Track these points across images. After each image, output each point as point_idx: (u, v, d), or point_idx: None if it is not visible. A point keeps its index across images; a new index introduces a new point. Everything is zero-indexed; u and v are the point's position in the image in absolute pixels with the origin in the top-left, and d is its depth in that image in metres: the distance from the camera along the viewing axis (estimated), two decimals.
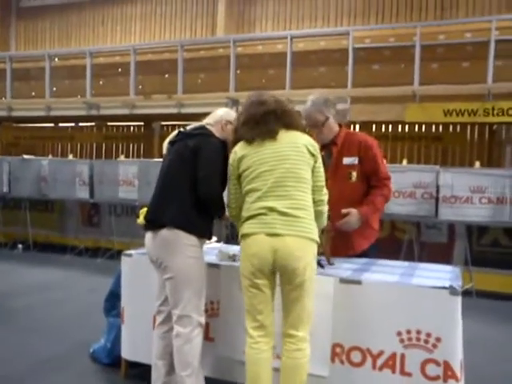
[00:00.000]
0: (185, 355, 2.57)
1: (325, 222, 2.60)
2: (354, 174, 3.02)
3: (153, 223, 2.63)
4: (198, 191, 2.55)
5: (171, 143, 2.73)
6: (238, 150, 2.47)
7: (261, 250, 2.31)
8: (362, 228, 3.00)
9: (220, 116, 2.78)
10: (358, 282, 2.56)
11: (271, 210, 2.32)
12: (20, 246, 8.06)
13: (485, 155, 8.25)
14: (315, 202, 2.45)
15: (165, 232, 2.56)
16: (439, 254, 6.10)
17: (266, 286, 2.37)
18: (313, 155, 2.45)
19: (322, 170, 2.51)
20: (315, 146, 2.49)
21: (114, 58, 10.01)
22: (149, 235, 2.66)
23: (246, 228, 2.38)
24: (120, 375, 3.17)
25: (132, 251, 3.17)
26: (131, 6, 11.54)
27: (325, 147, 3.12)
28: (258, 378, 2.37)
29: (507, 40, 7.31)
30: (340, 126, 3.12)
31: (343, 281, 2.59)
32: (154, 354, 2.72)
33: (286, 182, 2.35)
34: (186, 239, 2.56)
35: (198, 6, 10.99)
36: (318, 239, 2.40)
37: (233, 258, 2.88)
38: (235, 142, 2.52)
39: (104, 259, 7.13)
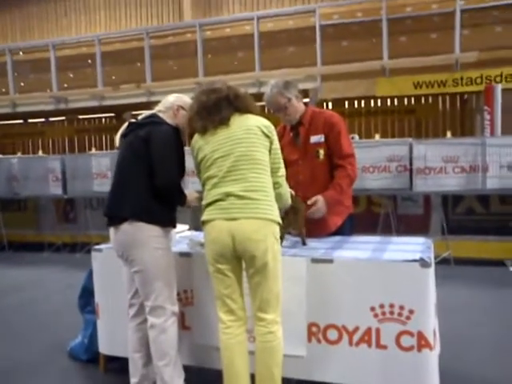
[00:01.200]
0: (161, 345, 2.56)
1: (287, 202, 2.58)
2: (322, 151, 3.02)
3: (113, 218, 2.58)
4: (155, 182, 2.49)
5: (123, 136, 2.66)
6: (195, 143, 2.45)
7: (219, 235, 2.29)
8: (334, 207, 3.00)
9: (171, 102, 2.70)
10: (330, 261, 2.55)
11: (228, 194, 2.29)
12: None
13: (457, 125, 8.35)
14: (274, 185, 2.42)
15: (126, 226, 2.50)
16: (416, 226, 6.17)
17: (230, 271, 2.35)
18: (267, 137, 2.40)
19: (278, 151, 2.47)
20: (270, 128, 2.44)
21: (81, 50, 9.77)
22: (111, 231, 2.60)
23: (205, 215, 2.37)
24: (99, 370, 3.14)
25: (102, 246, 3.11)
26: None
27: (293, 128, 3.12)
28: (232, 363, 2.36)
29: (473, 9, 7.33)
30: (306, 105, 3.11)
31: (315, 260, 2.58)
32: (129, 348, 2.69)
33: (241, 165, 2.32)
34: (149, 231, 2.51)
35: None
36: (277, 219, 2.36)
37: (203, 245, 2.84)
38: (192, 134, 2.49)
39: (82, 254, 7.03)
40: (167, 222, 2.62)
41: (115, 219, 2.56)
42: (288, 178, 2.60)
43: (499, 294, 4.68)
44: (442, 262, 5.58)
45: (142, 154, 2.51)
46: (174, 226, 2.71)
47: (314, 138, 3.02)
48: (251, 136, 2.36)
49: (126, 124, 2.68)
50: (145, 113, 2.71)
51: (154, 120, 2.61)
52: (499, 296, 4.60)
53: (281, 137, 3.13)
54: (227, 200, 2.30)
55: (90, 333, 3.22)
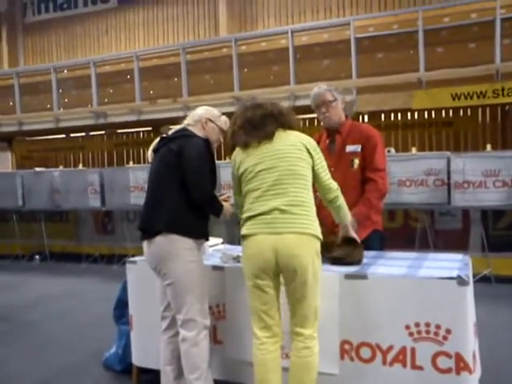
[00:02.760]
0: (192, 358, 2.56)
1: (347, 215, 2.61)
2: (357, 161, 3.03)
3: (146, 231, 2.62)
4: (190, 194, 2.52)
5: (155, 150, 2.70)
6: (237, 156, 2.47)
7: (262, 250, 2.28)
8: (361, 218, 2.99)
9: (199, 115, 2.74)
10: (364, 277, 2.51)
11: (272, 209, 2.29)
12: (37, 257, 8.18)
13: (498, 138, 8.08)
14: (330, 201, 2.49)
15: (159, 239, 2.54)
16: (455, 241, 5.99)
17: (270, 287, 2.33)
18: (310, 153, 2.43)
19: (324, 165, 2.49)
20: (313, 144, 2.48)
21: (120, 66, 10.06)
22: (145, 244, 2.64)
23: (246, 229, 2.36)
24: (132, 381, 3.17)
25: (136, 258, 3.16)
26: (133, 13, 11.61)
27: (329, 135, 3.14)
28: (265, 379, 2.34)
29: None
30: (346, 117, 3.15)
31: (349, 276, 2.54)
32: (161, 360, 2.71)
33: (284, 180, 2.33)
34: (182, 243, 2.54)
35: (199, 8, 10.99)
36: (319, 235, 2.35)
37: (237, 259, 2.85)
38: (233, 147, 2.52)
39: (119, 265, 7.17)
40: (200, 234, 2.65)
41: (149, 232, 2.59)
42: None
43: None
44: (481, 280, 5.39)
45: (174, 167, 2.55)
46: (207, 239, 2.74)
47: (350, 148, 3.05)
48: (295, 151, 2.38)
49: (157, 139, 2.73)
50: (175, 127, 2.75)
51: (185, 133, 2.65)
52: None
53: (316, 143, 3.15)
54: (271, 214, 2.29)
55: (123, 344, 3.27)
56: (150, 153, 2.75)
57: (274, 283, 2.35)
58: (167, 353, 2.70)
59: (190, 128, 2.69)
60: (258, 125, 2.40)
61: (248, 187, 2.39)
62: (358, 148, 3.02)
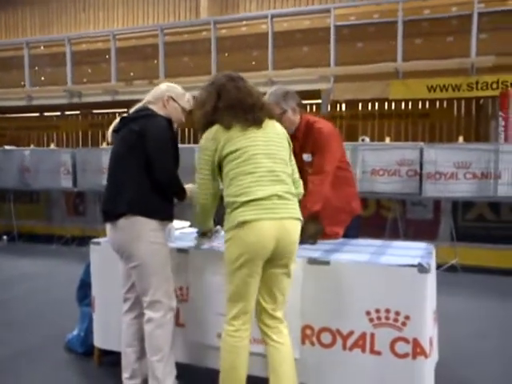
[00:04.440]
0: (156, 340, 2.54)
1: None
2: (310, 171, 2.94)
3: (109, 214, 2.56)
4: (154, 176, 2.48)
5: (116, 131, 2.62)
6: (219, 134, 2.33)
7: (264, 237, 2.19)
8: (331, 213, 2.98)
9: (161, 91, 2.64)
10: (326, 263, 2.52)
11: (271, 194, 2.24)
12: (5, 237, 7.99)
13: (472, 131, 8.19)
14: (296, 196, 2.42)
15: (123, 221, 2.49)
16: (425, 231, 6.07)
17: (258, 274, 2.28)
18: (289, 144, 2.47)
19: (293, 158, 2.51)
20: (287, 135, 2.50)
21: (97, 45, 9.84)
22: (108, 226, 2.59)
23: (245, 215, 2.21)
24: (94, 363, 3.14)
25: (100, 239, 3.11)
26: None
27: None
28: (235, 367, 2.29)
29: (492, 12, 7.19)
30: (300, 116, 3.03)
31: (311, 261, 2.55)
32: (122, 342, 2.69)
33: (278, 167, 2.31)
34: (147, 225, 2.50)
35: None
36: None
37: (210, 235, 2.81)
38: (208, 124, 2.39)
39: None
40: (164, 216, 2.60)
41: (112, 215, 2.54)
42: None
43: (507, 304, 4.56)
44: (449, 270, 5.50)
45: (136, 148, 2.48)
46: (171, 220, 2.69)
47: (304, 156, 2.97)
48: (282, 141, 2.40)
49: (118, 118, 2.64)
50: (136, 105, 2.67)
51: (147, 113, 2.56)
52: (506, 307, 4.49)
53: None
54: (270, 200, 2.23)
55: (86, 326, 3.23)
56: (110, 133, 2.66)
57: (261, 269, 2.29)
58: (129, 334, 2.68)
59: (151, 106, 2.60)
60: (248, 110, 2.33)
61: (239, 170, 2.27)
62: (309, 157, 2.96)
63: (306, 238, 2.73)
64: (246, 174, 2.26)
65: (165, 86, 2.67)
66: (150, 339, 2.55)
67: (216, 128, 2.35)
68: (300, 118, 3.00)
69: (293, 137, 2.96)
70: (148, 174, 2.48)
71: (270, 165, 2.28)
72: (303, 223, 2.39)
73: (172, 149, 2.53)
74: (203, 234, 2.80)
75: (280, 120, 2.86)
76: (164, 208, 2.59)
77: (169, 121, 2.59)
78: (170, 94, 2.63)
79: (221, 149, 2.31)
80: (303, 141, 2.97)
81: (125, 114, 2.63)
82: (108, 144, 2.70)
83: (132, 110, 2.64)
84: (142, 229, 2.49)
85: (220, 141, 2.32)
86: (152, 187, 2.49)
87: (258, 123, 2.34)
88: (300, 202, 2.45)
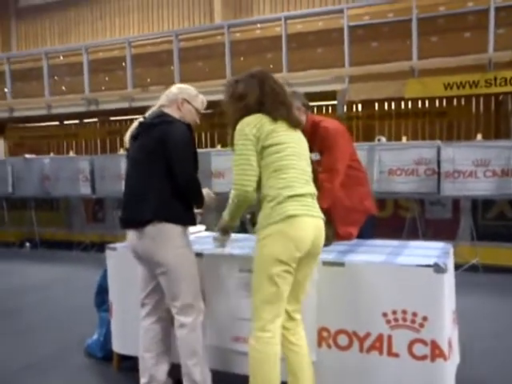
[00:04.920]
0: (191, 344, 2.54)
1: None
2: (320, 170, 2.92)
3: (134, 221, 2.54)
4: (176, 181, 2.47)
5: (134, 137, 2.60)
6: (264, 123, 2.28)
7: (307, 233, 2.21)
8: (344, 214, 2.97)
9: (175, 94, 2.62)
10: (341, 264, 2.50)
11: (308, 192, 2.29)
12: (28, 244, 8.15)
13: (492, 128, 8.04)
14: None
15: (150, 228, 2.47)
16: (444, 231, 5.97)
17: (294, 270, 2.24)
18: None
19: None
20: None
21: (113, 52, 9.97)
22: (132, 233, 2.56)
23: (292, 209, 2.18)
24: (113, 368, 3.17)
25: (117, 244, 3.14)
26: None
27: None
28: (271, 380, 2.20)
29: (509, 6, 7.06)
30: (307, 116, 3.02)
31: (326, 263, 2.53)
32: (140, 347, 2.70)
33: (308, 167, 2.37)
34: (173, 230, 2.50)
35: None
36: None
37: (224, 239, 2.82)
38: (247, 111, 2.31)
39: None
40: (189, 220, 2.60)
41: (137, 222, 2.51)
42: None
43: None
44: (469, 269, 5.40)
45: (157, 154, 2.47)
46: (194, 224, 2.70)
47: (313, 156, 2.91)
48: (306, 144, 2.47)
49: (134, 124, 2.64)
50: (152, 109, 2.66)
51: (166, 119, 2.54)
52: None
53: None
54: (308, 198, 2.28)
55: (105, 331, 3.26)
56: (127, 139, 2.65)
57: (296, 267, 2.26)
58: (147, 339, 2.68)
59: (165, 110, 2.59)
60: (289, 109, 2.39)
61: (282, 163, 2.24)
62: (317, 156, 2.94)
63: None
64: (289, 168, 2.26)
65: (177, 89, 2.65)
66: (185, 344, 2.54)
67: (261, 117, 2.30)
68: (306, 119, 2.99)
69: None
70: (169, 179, 2.48)
71: (304, 164, 2.33)
72: None
73: (192, 154, 2.53)
74: (224, 232, 2.78)
75: None
76: (187, 213, 2.58)
77: (189, 127, 2.58)
78: (183, 97, 2.61)
79: (264, 138, 2.26)
80: (310, 140, 2.92)
81: (141, 119, 2.63)
82: (127, 150, 2.70)
83: (148, 115, 2.63)
84: (169, 235, 2.49)
85: (264, 131, 2.27)
86: (173, 193, 2.49)
87: (295, 124, 2.40)
88: None
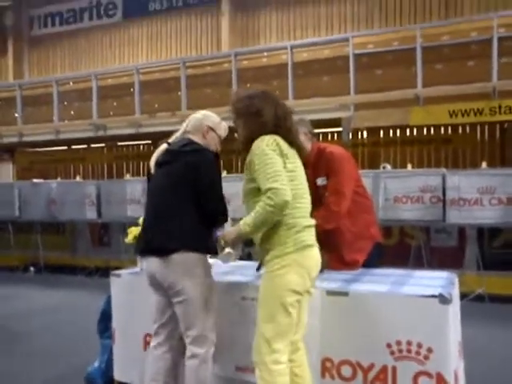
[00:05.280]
0: (202, 375, 2.48)
1: None
2: (326, 194, 2.94)
3: (160, 249, 2.46)
4: (207, 208, 2.47)
5: (159, 164, 2.56)
6: (282, 146, 2.24)
7: (317, 263, 2.27)
8: (350, 241, 2.96)
9: (199, 121, 2.61)
10: (345, 294, 2.48)
11: (314, 222, 2.33)
12: (32, 268, 8.16)
13: (497, 155, 8.06)
14: None
15: (177, 256, 2.43)
16: (450, 259, 5.92)
17: None
18: None
19: None
20: None
21: (122, 79, 10.16)
22: (155, 260, 2.47)
23: (307, 239, 2.22)
24: None
25: (121, 271, 3.14)
26: (137, 28, 11.77)
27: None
28: None
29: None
30: (314, 143, 3.06)
31: (330, 292, 2.51)
32: (147, 376, 2.62)
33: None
34: (199, 261, 2.47)
35: (202, 22, 11.13)
36: None
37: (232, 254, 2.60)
38: (264, 129, 2.24)
39: None
40: (212, 249, 2.56)
41: (163, 250, 2.45)
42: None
43: None
44: (476, 299, 5.32)
45: (187, 182, 2.45)
46: (217, 253, 2.61)
47: (318, 181, 2.97)
48: None
49: (159, 150, 2.59)
50: (175, 135, 2.62)
51: (196, 147, 2.53)
52: None
53: None
54: (313, 228, 2.31)
55: (106, 358, 3.22)
56: (152, 164, 2.59)
57: None
58: (155, 369, 2.59)
59: (190, 136, 2.58)
60: (297, 134, 2.40)
61: (297, 192, 2.23)
62: (324, 181, 2.96)
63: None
64: (303, 197, 2.27)
65: (202, 115, 2.64)
66: (196, 375, 2.47)
67: (278, 139, 2.24)
68: (312, 146, 3.03)
69: (305, 164, 3.01)
70: (196, 207, 2.46)
71: (308, 195, 2.35)
72: None
73: (220, 181, 2.55)
74: (235, 244, 2.60)
75: None
76: (210, 241, 2.55)
77: (216, 155, 2.59)
78: (208, 124, 2.61)
79: (284, 160, 2.23)
80: (316, 165, 2.98)
81: (164, 145, 2.58)
82: (149, 175, 2.70)
83: (172, 141, 2.60)
84: (195, 265, 2.46)
85: (284, 150, 2.23)
86: (199, 221, 2.48)
87: (303, 153, 2.41)
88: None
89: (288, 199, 2.11)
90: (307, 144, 2.98)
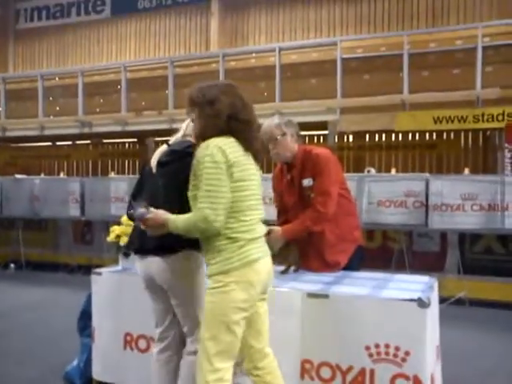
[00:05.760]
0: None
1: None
2: (312, 195, 2.96)
3: (163, 247, 2.39)
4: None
5: (161, 164, 2.53)
6: (235, 151, 2.09)
7: (267, 275, 2.15)
8: (333, 242, 2.98)
9: None
10: (326, 296, 2.50)
11: (263, 233, 2.21)
12: (12, 265, 8.03)
13: (480, 162, 8.17)
14: None
15: (180, 256, 2.39)
16: (431, 263, 6.00)
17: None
18: None
19: None
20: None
21: (109, 76, 10.08)
22: (156, 260, 2.41)
23: (253, 252, 2.09)
24: None
25: (102, 269, 3.12)
26: (126, 25, 11.68)
27: (288, 170, 3.11)
28: None
29: (496, 46, 7.29)
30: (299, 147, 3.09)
31: (310, 295, 2.53)
32: (156, 381, 2.54)
33: (261, 204, 2.24)
34: (199, 259, 2.44)
35: (191, 22, 11.08)
36: None
37: None
38: (218, 123, 2.10)
39: None
40: None
41: (166, 249, 2.40)
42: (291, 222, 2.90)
43: None
44: (456, 303, 5.39)
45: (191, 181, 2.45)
46: None
47: (304, 182, 2.99)
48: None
49: (160, 151, 2.57)
50: (176, 137, 2.61)
51: (186, 152, 2.51)
52: None
53: (279, 181, 3.17)
54: (262, 238, 2.21)
55: (85, 357, 3.20)
56: (154, 163, 2.54)
57: None
58: (163, 373, 2.52)
59: (190, 139, 2.53)
60: (256, 137, 2.26)
61: (245, 204, 2.10)
62: (310, 182, 2.98)
63: (293, 262, 2.76)
64: (250, 209, 2.12)
65: None
66: (193, 370, 2.35)
67: (233, 142, 2.11)
68: (298, 148, 3.05)
69: (291, 165, 3.06)
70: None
71: (260, 203, 2.22)
72: (284, 246, 2.46)
73: None
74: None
75: (275, 142, 2.96)
76: None
77: None
78: None
79: (232, 171, 2.06)
80: (302, 167, 3.02)
81: (165, 146, 2.57)
82: (141, 174, 2.67)
83: (173, 143, 2.58)
84: (197, 263, 2.44)
85: (231, 159, 2.05)
86: None
87: (261, 159, 2.27)
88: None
89: (217, 227, 2.02)
90: (293, 145, 3.01)
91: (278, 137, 2.95)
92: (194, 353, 2.40)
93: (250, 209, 2.12)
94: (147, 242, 2.43)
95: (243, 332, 2.12)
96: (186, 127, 2.63)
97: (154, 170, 2.56)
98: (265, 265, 2.14)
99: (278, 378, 2.27)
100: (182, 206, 2.37)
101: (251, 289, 2.06)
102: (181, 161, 2.48)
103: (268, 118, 3.04)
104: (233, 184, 2.06)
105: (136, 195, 2.60)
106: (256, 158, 2.21)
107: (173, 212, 2.32)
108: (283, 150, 2.99)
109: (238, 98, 2.16)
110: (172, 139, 2.64)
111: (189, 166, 2.32)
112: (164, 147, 2.60)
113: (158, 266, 2.41)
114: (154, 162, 2.57)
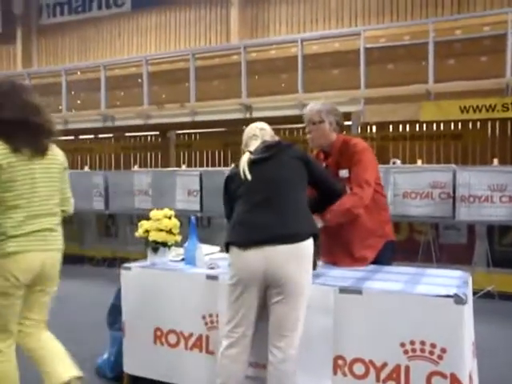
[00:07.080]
0: (292, 379, 2.39)
1: None
2: (348, 187, 2.92)
3: (287, 236, 2.37)
4: (328, 192, 2.76)
5: (256, 161, 2.53)
6: (3, 155, 2.33)
7: (30, 266, 2.47)
8: (363, 236, 2.93)
9: (271, 131, 2.72)
10: (359, 292, 2.46)
11: (41, 228, 2.50)
12: None
13: (508, 152, 7.98)
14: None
15: (304, 244, 2.40)
16: (459, 256, 5.88)
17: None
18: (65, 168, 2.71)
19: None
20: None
21: (130, 70, 10.11)
22: (280, 249, 2.35)
23: (11, 245, 2.39)
24: None
25: (131, 264, 3.14)
26: (146, 18, 11.67)
27: (325, 157, 3.08)
28: None
29: None
30: (340, 133, 3.06)
31: (343, 291, 2.49)
32: (221, 378, 2.48)
33: (50, 200, 2.55)
34: (312, 247, 2.48)
35: (211, 13, 11.02)
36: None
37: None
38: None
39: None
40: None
41: (290, 237, 2.37)
42: None
43: None
44: (484, 296, 5.29)
45: (302, 172, 2.58)
46: None
47: (341, 173, 2.97)
48: (58, 167, 2.77)
49: (246, 157, 2.55)
50: (255, 146, 2.61)
51: (289, 143, 2.66)
52: None
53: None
54: (38, 234, 2.47)
55: (116, 350, 3.23)
56: (245, 169, 2.51)
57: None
58: (230, 371, 2.47)
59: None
60: (35, 133, 2.44)
61: (12, 203, 2.41)
62: (346, 173, 2.94)
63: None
64: (19, 207, 2.36)
65: (266, 127, 2.71)
66: (287, 379, 2.38)
67: (2, 145, 2.31)
68: (337, 138, 3.02)
69: (328, 153, 3.04)
70: (305, 194, 2.60)
71: (45, 199, 2.45)
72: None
73: None
74: None
75: (312, 126, 2.97)
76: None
77: None
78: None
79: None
80: (339, 157, 2.99)
81: (248, 154, 2.58)
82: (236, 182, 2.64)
83: (256, 149, 2.58)
84: (310, 252, 2.46)
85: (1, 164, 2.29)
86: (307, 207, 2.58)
87: (42, 152, 2.42)
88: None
89: None
90: (330, 133, 2.98)
91: (316, 123, 2.94)
92: (286, 360, 2.35)
93: (18, 207, 2.35)
94: (263, 232, 2.39)
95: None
96: (262, 136, 2.67)
97: (248, 176, 2.55)
98: (28, 258, 2.38)
99: (43, 340, 2.85)
100: (300, 194, 2.57)
101: (9, 275, 2.35)
102: (284, 152, 2.58)
103: (312, 102, 3.04)
104: (2, 185, 2.30)
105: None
106: (38, 152, 2.42)
107: (295, 199, 2.50)
108: (318, 137, 2.98)
109: (9, 103, 2.35)
110: (252, 147, 2.61)
111: (297, 158, 2.58)
112: (247, 155, 2.57)
113: (277, 256, 2.34)
114: (244, 168, 2.54)
